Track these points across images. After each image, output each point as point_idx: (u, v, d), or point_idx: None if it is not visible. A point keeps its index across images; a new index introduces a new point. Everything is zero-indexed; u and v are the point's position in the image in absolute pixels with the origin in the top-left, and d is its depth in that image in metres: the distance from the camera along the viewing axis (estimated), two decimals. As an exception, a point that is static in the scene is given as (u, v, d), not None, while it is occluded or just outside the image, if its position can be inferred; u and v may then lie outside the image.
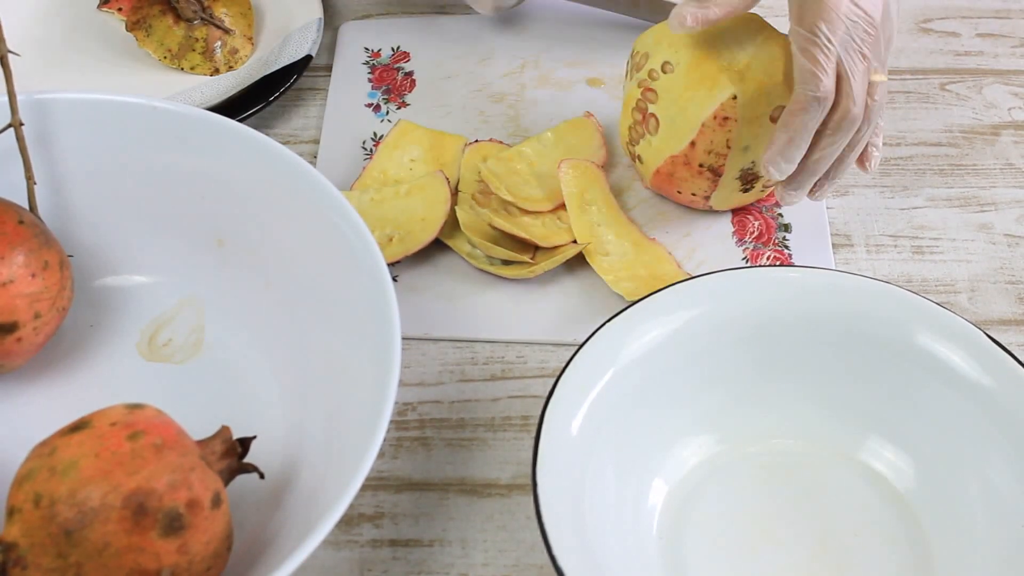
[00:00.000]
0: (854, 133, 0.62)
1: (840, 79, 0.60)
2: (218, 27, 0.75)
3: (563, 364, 0.64)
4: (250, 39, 0.78)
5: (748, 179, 0.67)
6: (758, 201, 0.72)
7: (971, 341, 0.58)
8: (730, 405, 0.60)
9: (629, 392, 0.57)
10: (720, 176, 0.67)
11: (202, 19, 0.75)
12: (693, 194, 0.69)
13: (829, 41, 0.59)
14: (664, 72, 0.66)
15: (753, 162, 0.66)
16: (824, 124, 0.61)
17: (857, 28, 0.59)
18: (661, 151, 0.67)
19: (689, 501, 0.58)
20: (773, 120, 0.64)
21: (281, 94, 0.74)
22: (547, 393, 0.55)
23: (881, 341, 0.59)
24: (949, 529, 0.57)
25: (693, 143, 0.66)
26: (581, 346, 0.57)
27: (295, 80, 0.75)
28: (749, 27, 0.66)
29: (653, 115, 0.66)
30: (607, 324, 0.58)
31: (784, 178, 0.64)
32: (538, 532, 0.51)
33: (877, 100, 0.62)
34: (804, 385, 0.60)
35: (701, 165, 0.66)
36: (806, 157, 0.63)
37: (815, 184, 0.66)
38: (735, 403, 0.60)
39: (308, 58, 0.76)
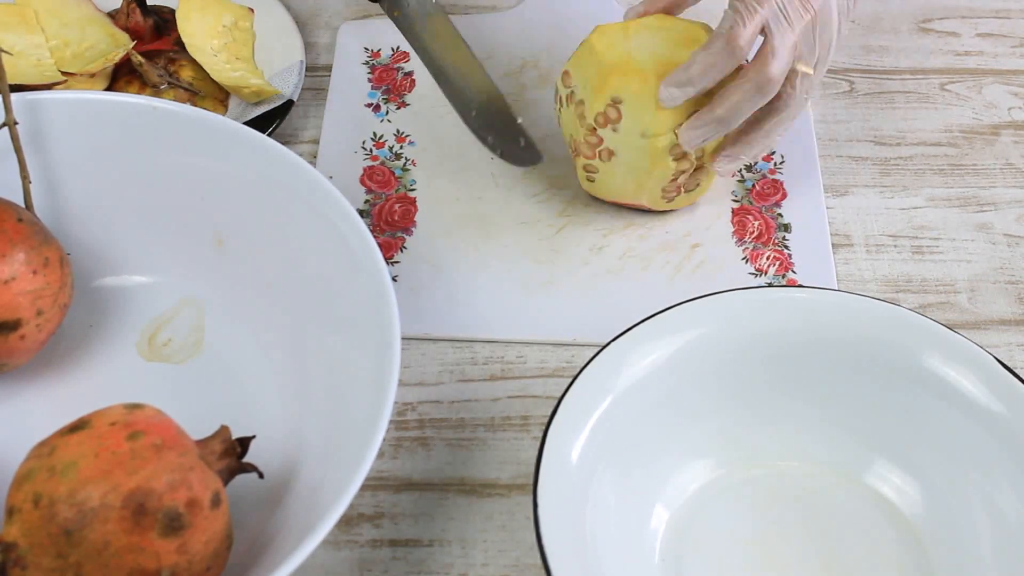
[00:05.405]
0: (773, 105, 0.63)
1: (765, 37, 0.61)
2: (186, 90, 0.74)
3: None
4: (223, 102, 0.75)
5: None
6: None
7: (980, 365, 0.56)
8: (732, 428, 0.59)
9: (630, 416, 0.56)
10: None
11: (169, 83, 0.74)
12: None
13: (757, 2, 0.60)
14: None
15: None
16: (740, 76, 0.62)
17: (792, 2, 0.60)
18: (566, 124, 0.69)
19: (692, 525, 0.57)
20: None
21: None
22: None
23: (889, 364, 0.58)
24: (955, 554, 0.56)
25: None
26: (582, 370, 0.55)
27: (278, 125, 0.72)
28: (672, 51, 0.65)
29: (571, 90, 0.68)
30: (608, 347, 0.56)
31: (671, 104, 0.63)
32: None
33: (796, 90, 0.62)
34: (809, 407, 0.59)
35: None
36: (715, 107, 0.62)
37: (732, 151, 0.66)
38: (737, 426, 0.59)
39: (289, 103, 0.73)
